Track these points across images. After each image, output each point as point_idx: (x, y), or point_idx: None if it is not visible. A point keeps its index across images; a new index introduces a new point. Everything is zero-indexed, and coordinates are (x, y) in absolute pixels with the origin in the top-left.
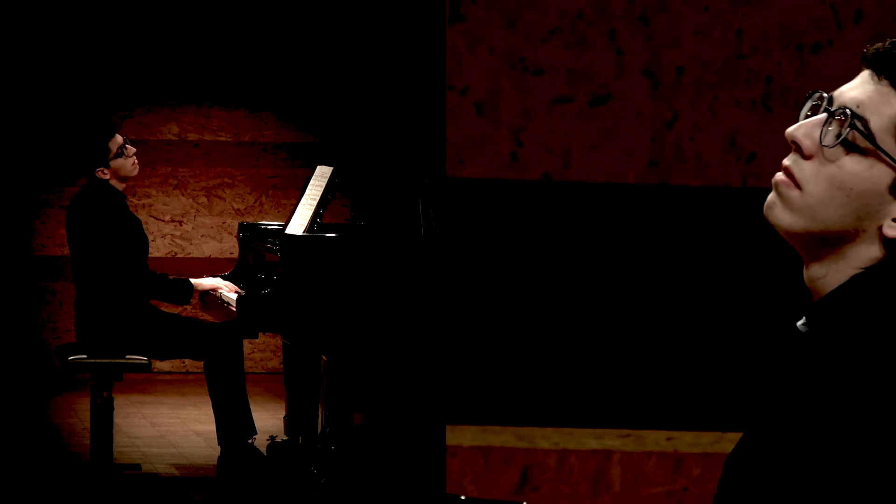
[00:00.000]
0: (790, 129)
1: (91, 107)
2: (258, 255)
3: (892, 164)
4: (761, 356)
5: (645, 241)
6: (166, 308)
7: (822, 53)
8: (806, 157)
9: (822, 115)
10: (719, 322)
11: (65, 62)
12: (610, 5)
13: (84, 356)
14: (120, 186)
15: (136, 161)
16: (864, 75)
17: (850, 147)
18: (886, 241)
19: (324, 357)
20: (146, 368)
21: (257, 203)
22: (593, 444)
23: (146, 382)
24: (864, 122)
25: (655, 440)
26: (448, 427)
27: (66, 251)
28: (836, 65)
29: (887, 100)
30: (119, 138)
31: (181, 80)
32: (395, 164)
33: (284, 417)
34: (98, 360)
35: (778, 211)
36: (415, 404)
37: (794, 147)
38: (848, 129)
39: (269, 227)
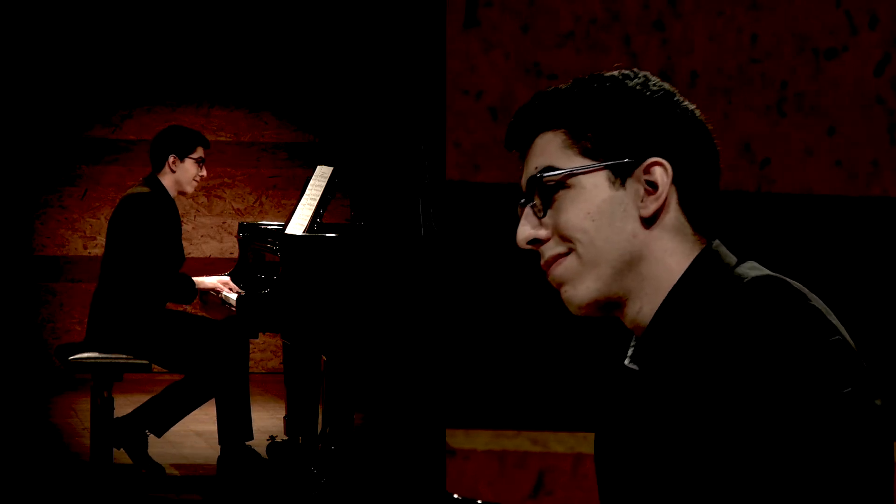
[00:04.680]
0: (518, 240)
1: (91, 107)
2: (258, 255)
3: (591, 168)
4: (593, 394)
5: None
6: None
7: (837, 59)
8: (547, 240)
9: (525, 208)
10: None
11: (65, 62)
12: (624, 11)
13: (85, 355)
14: (172, 193)
15: (198, 184)
16: (524, 161)
17: (554, 194)
18: (661, 234)
19: (324, 357)
20: (146, 368)
21: (257, 203)
22: None
23: (146, 382)
24: (546, 167)
25: None
26: (462, 432)
27: (66, 251)
28: (851, 70)
29: (546, 143)
30: (203, 153)
31: (181, 80)
32: (395, 164)
33: (284, 417)
34: (98, 360)
35: (572, 291)
36: (415, 404)
37: (536, 246)
38: (540, 182)
39: (269, 227)
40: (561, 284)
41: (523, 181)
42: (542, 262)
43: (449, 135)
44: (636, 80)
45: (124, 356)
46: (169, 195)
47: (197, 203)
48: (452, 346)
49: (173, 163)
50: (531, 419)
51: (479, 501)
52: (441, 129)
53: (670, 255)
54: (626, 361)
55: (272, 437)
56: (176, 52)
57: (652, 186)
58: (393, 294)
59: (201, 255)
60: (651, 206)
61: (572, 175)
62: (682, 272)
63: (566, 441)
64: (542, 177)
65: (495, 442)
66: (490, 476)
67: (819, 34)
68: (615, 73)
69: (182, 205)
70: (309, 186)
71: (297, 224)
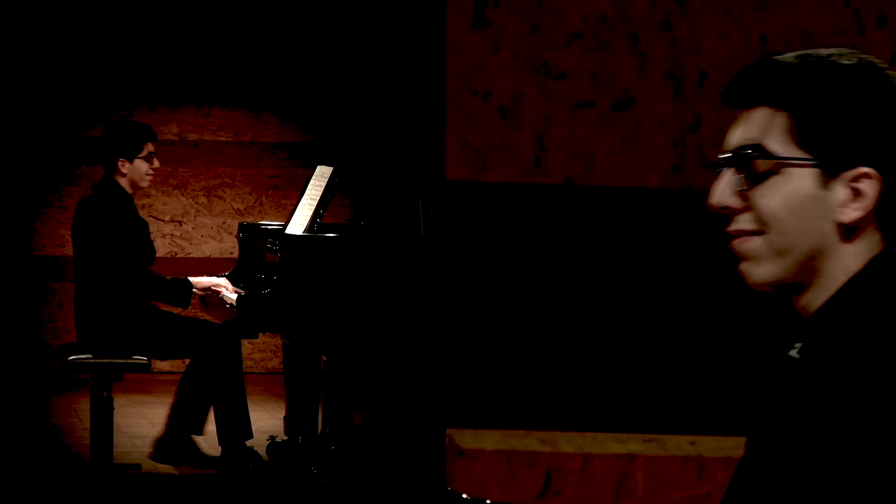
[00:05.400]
0: (710, 201)
1: (91, 107)
2: (258, 255)
3: (804, 162)
4: (754, 384)
5: (668, 246)
6: (164, 308)
7: None
8: (741, 212)
9: (725, 172)
10: (743, 325)
11: (65, 62)
12: (632, 10)
13: (84, 356)
14: (129, 191)
15: (153, 176)
16: (740, 116)
17: (764, 176)
18: (858, 240)
19: (324, 357)
20: (146, 368)
21: (257, 203)
22: (617, 448)
23: (146, 382)
24: (760, 146)
25: (679, 445)
26: (471, 432)
27: (66, 251)
28: None
29: (767, 118)
30: (153, 146)
31: (181, 80)
32: (395, 164)
33: (284, 417)
34: (98, 360)
35: (752, 269)
36: (415, 404)
37: (725, 211)
38: (749, 162)
39: (269, 227)
40: (744, 258)
41: (732, 140)
42: (728, 227)
43: (453, 134)
44: (871, 76)
45: (122, 357)
46: (126, 193)
47: (197, 203)
48: (460, 346)
49: (122, 165)
50: (540, 419)
51: (488, 501)
52: (441, 128)
53: (853, 258)
54: (793, 352)
55: (272, 437)
56: (176, 52)
57: (858, 195)
58: (393, 294)
59: (201, 255)
60: (851, 215)
61: (784, 164)
62: (858, 271)
63: (575, 441)
64: (752, 156)
65: (504, 442)
66: (499, 476)
67: (827, 33)
68: (852, 59)
69: (182, 205)
70: (309, 186)
71: (297, 224)
